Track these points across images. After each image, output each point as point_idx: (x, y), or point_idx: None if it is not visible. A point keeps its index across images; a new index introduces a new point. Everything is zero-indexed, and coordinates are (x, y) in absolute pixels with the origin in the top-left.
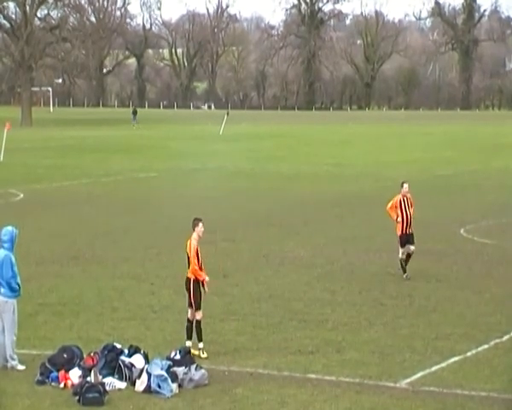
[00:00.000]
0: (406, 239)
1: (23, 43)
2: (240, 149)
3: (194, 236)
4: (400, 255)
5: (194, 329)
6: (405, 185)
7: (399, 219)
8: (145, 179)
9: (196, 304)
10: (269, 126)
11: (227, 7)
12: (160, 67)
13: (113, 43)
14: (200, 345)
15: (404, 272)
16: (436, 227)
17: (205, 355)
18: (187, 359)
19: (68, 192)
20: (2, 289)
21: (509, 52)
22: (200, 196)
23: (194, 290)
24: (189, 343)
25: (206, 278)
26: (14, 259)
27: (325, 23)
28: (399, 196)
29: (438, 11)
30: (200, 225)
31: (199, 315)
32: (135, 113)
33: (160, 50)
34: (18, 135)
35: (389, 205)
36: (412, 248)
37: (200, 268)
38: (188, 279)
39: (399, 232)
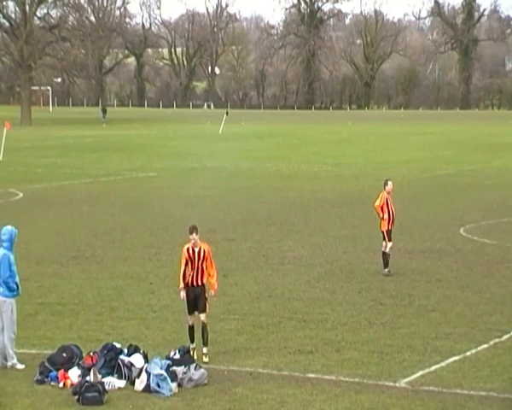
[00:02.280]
0: (391, 234)
1: (22, 42)
2: (239, 148)
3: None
4: (388, 250)
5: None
6: (389, 183)
7: (385, 216)
8: (144, 179)
9: (187, 309)
10: (268, 126)
11: (226, 6)
12: (159, 66)
13: (112, 42)
14: (204, 350)
15: (386, 266)
16: (436, 227)
17: (206, 360)
18: (186, 358)
19: (68, 192)
20: (1, 289)
21: (509, 52)
22: (199, 195)
23: (186, 296)
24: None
25: (181, 294)
26: (12, 258)
27: (325, 22)
28: (385, 194)
29: (437, 11)
30: (192, 236)
31: (190, 321)
32: (104, 111)
33: (160, 50)
34: (17, 134)
35: (377, 203)
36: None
37: (184, 276)
38: None
39: (386, 228)
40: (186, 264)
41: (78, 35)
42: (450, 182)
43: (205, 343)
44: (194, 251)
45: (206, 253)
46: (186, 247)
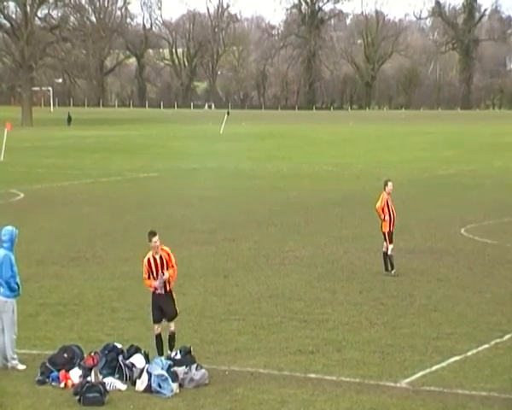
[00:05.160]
0: (392, 236)
1: (23, 42)
2: (240, 148)
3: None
4: (390, 251)
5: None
6: (390, 184)
7: (387, 217)
8: (145, 179)
9: (152, 317)
10: (269, 126)
11: (227, 6)
12: (160, 66)
13: (113, 42)
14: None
15: (393, 268)
16: (437, 226)
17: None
18: (187, 358)
19: (68, 192)
20: (2, 289)
21: (510, 52)
22: (200, 195)
23: (151, 302)
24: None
25: (155, 283)
26: (13, 258)
27: (325, 23)
28: (385, 195)
29: (438, 11)
30: (154, 239)
31: (157, 330)
32: (69, 119)
33: (161, 50)
34: (18, 135)
35: (379, 204)
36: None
37: (153, 277)
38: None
39: (388, 229)
40: (148, 276)
41: (78, 35)
42: (451, 182)
43: (170, 350)
44: (155, 259)
45: (168, 258)
46: (146, 258)
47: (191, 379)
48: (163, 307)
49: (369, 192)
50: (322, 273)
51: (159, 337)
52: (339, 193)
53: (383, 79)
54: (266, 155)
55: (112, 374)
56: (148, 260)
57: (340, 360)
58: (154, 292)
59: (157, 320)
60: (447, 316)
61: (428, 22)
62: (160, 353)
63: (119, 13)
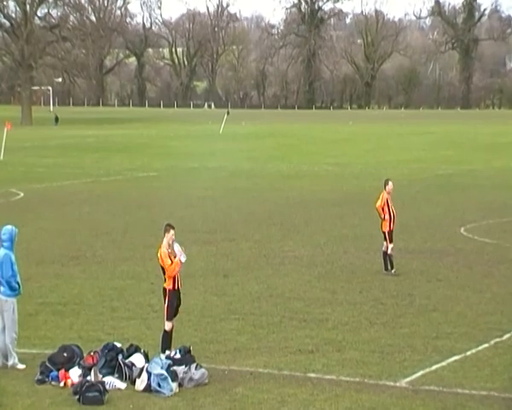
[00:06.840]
0: (392, 235)
1: (23, 42)
2: (240, 148)
3: (164, 242)
4: (390, 251)
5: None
6: (390, 183)
7: (387, 216)
8: (145, 179)
9: (168, 314)
10: (269, 126)
11: (227, 6)
12: (160, 66)
13: (113, 42)
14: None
15: (392, 267)
16: (436, 226)
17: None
18: (187, 358)
19: (68, 192)
20: (2, 288)
21: (510, 51)
22: (200, 195)
23: (170, 300)
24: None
25: (181, 257)
26: (13, 258)
27: (325, 22)
28: (385, 194)
29: (438, 10)
30: (172, 232)
31: (168, 326)
32: (56, 119)
33: (160, 49)
34: (18, 134)
35: (379, 203)
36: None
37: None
38: (164, 289)
39: (388, 228)
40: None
41: (78, 35)
42: (450, 182)
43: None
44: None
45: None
46: (163, 247)
47: (191, 379)
48: (179, 302)
49: (368, 192)
50: (321, 273)
51: (170, 333)
52: (338, 193)
53: (383, 78)
54: (266, 155)
55: (111, 373)
56: (166, 249)
57: (340, 359)
58: (173, 289)
59: (174, 316)
60: (447, 316)
61: (428, 22)
62: (169, 347)
63: (118, 12)
